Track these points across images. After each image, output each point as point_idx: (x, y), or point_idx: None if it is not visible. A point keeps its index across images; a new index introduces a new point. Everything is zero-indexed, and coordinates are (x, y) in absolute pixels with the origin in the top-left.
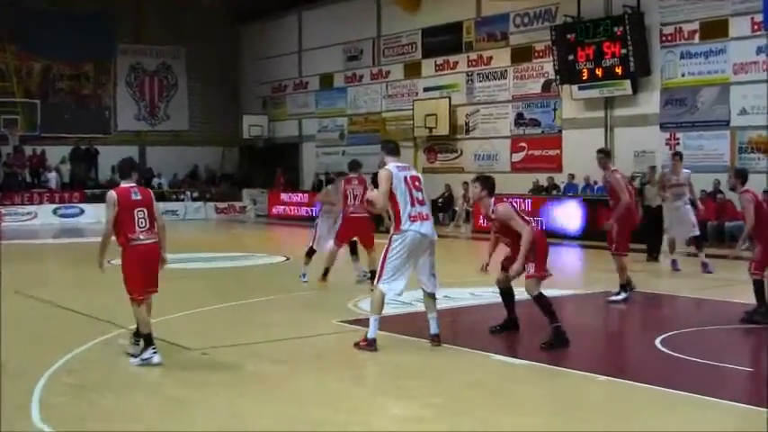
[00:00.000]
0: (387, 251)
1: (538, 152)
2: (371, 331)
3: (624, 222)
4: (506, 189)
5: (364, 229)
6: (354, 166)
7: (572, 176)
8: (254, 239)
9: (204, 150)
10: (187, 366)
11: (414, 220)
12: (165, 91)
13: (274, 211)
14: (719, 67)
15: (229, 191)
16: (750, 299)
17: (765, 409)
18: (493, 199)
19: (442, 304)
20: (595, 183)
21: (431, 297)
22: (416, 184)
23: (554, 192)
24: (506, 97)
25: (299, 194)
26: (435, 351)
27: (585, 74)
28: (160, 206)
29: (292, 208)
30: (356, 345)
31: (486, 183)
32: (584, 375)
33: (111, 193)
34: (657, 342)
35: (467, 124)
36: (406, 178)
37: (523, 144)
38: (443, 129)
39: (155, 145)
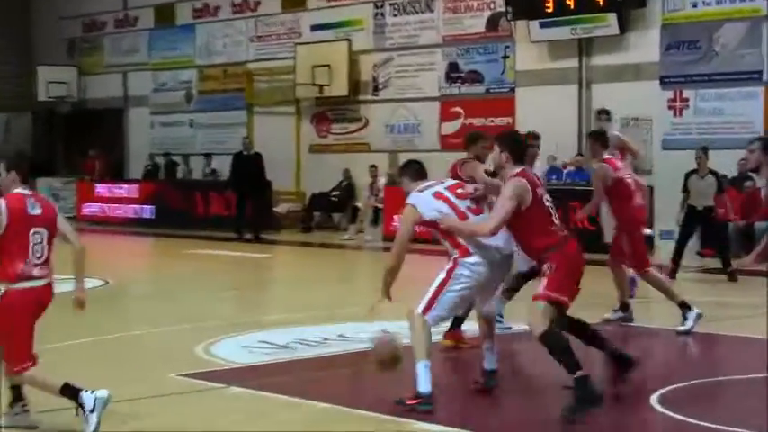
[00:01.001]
0: (449, 274)
1: (479, 121)
2: (422, 383)
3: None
4: (433, 175)
5: None
6: (475, 138)
7: None
8: (56, 254)
9: None
10: None
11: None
12: None
13: (86, 210)
14: None
15: None
16: None
17: None
18: (517, 170)
19: (336, 347)
20: (564, 166)
21: (487, 320)
22: (458, 191)
23: None
24: (433, 39)
25: (124, 186)
26: (329, 418)
27: (551, 5)
28: None
29: (113, 207)
30: (401, 403)
31: (508, 142)
32: None
33: None
34: (654, 399)
35: (375, 80)
36: (437, 194)
37: (458, 109)
38: (340, 87)
39: None
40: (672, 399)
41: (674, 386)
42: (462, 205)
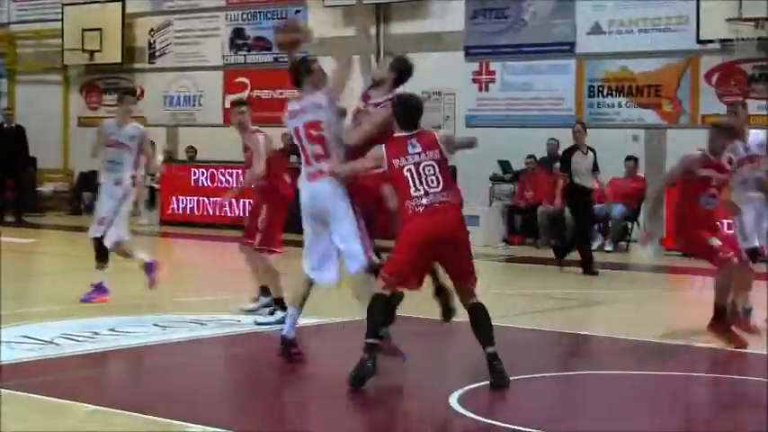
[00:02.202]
0: None
1: (267, 93)
2: (285, 327)
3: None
4: (217, 154)
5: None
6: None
7: None
8: None
9: None
10: None
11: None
12: None
13: None
14: None
15: None
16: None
17: None
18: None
19: (106, 343)
20: None
21: (360, 281)
22: (310, 132)
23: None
24: (217, 2)
25: None
26: (97, 420)
27: None
28: None
29: None
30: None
31: (397, 107)
32: None
33: None
34: (453, 399)
35: (152, 46)
36: (297, 129)
37: (244, 80)
38: (113, 54)
39: None
40: (475, 400)
41: (480, 384)
42: (309, 149)
